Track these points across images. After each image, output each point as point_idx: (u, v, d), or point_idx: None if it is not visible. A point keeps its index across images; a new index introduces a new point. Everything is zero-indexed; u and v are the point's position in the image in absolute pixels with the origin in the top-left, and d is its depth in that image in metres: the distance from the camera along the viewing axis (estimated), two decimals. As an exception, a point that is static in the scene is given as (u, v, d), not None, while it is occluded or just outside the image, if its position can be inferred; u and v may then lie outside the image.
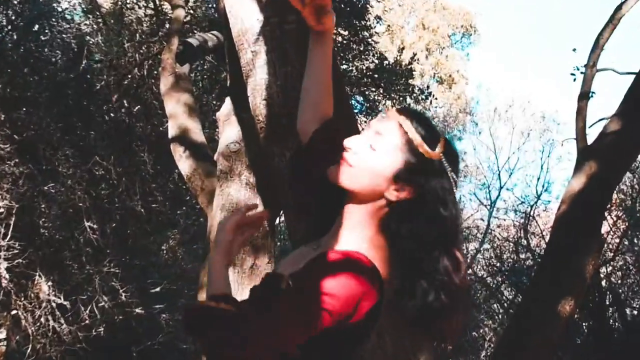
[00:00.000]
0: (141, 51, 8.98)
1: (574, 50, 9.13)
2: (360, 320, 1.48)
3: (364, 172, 1.60)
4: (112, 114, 8.94)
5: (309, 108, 1.86)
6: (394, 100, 9.97)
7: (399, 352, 2.42)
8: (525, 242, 12.17)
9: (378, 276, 1.52)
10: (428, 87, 12.63)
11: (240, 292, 4.15)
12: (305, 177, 1.86)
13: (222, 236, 1.68)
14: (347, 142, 1.63)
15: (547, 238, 7.59)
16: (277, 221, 7.12)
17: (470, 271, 13.22)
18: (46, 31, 8.78)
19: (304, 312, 1.40)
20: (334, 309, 1.42)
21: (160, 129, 8.63)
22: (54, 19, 8.84)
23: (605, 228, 9.36)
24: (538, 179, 18.29)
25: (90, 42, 9.05)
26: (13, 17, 8.47)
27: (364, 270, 1.49)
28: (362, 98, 9.94)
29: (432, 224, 1.57)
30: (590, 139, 5.61)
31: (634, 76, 4.78)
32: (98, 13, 9.24)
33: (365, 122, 9.41)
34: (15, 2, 8.50)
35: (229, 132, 4.76)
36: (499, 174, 19.37)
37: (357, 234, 1.62)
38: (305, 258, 1.61)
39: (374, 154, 1.59)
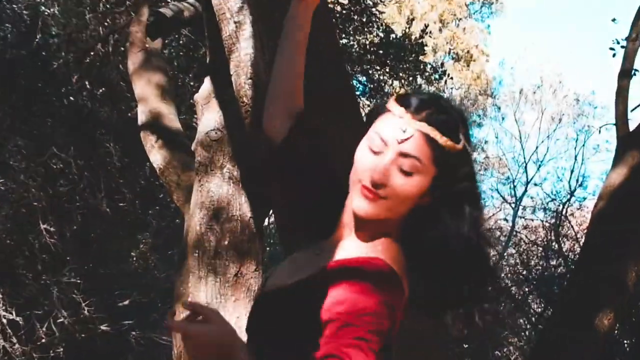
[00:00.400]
0: (105, 24, 8.93)
1: (614, 20, 9.10)
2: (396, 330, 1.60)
3: (401, 201, 1.67)
4: (71, 98, 8.88)
5: (280, 98, 1.90)
6: (402, 81, 9.96)
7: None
8: (556, 245, 12.19)
9: (401, 280, 1.63)
10: (442, 64, 12.60)
11: (223, 304, 4.14)
12: (290, 178, 1.92)
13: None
14: (377, 176, 1.64)
15: (582, 241, 7.59)
16: (265, 222, 7.12)
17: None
18: (-7, 0, 8.74)
19: (365, 346, 1.48)
20: (383, 328, 1.52)
21: (129, 114, 8.59)
22: (2, -14, 8.80)
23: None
24: (571, 172, 18.30)
25: (46, 13, 8.97)
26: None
27: (392, 278, 1.60)
28: (365, 78, 9.94)
29: (460, 222, 1.69)
30: (632, 125, 5.59)
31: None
32: (54, -22, 9.19)
33: (369, 105, 9.39)
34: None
35: (209, 117, 4.73)
36: (525, 167, 19.44)
37: (368, 237, 1.72)
38: (306, 266, 1.71)
39: (408, 181, 1.65)
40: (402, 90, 1.75)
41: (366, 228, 1.71)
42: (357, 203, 1.67)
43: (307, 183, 1.86)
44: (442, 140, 1.64)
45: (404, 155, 1.64)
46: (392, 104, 1.69)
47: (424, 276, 1.69)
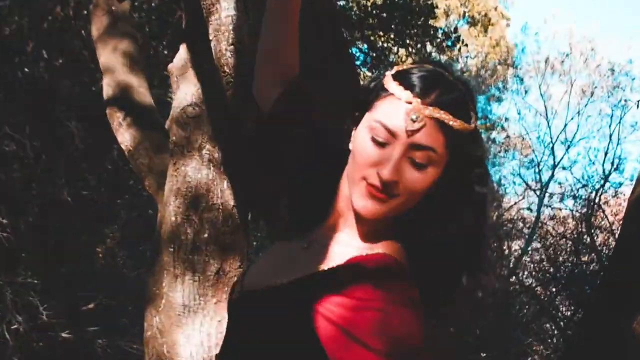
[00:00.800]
0: (65, -18, 8.90)
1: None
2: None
3: (413, 197, 1.69)
4: (26, 69, 8.87)
5: (269, 61, 1.92)
6: (410, 49, 9.94)
7: None
8: (588, 239, 12.22)
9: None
10: (456, 29, 12.51)
11: (202, 307, 4.14)
12: (274, 156, 1.95)
13: None
14: (388, 174, 1.64)
15: (618, 233, 7.62)
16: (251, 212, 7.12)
17: (513, 278, 13.26)
18: None
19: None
20: (420, 335, 1.57)
21: (93, 88, 8.57)
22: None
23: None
24: (605, 153, 18.26)
25: (-5, -30, 8.96)
26: None
27: (407, 276, 1.65)
28: (366, 45, 9.90)
29: (467, 207, 1.73)
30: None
31: None
32: None
33: (371, 77, 9.37)
34: None
35: (185, 90, 4.70)
36: (552, 148, 19.44)
37: (370, 231, 1.75)
38: (297, 261, 1.74)
39: (422, 174, 1.66)
40: (398, 65, 1.71)
41: (368, 223, 1.73)
42: (362, 203, 1.68)
43: (294, 159, 1.88)
44: (456, 124, 1.64)
45: (416, 147, 1.64)
46: (392, 85, 1.68)
47: (422, 271, 1.70)
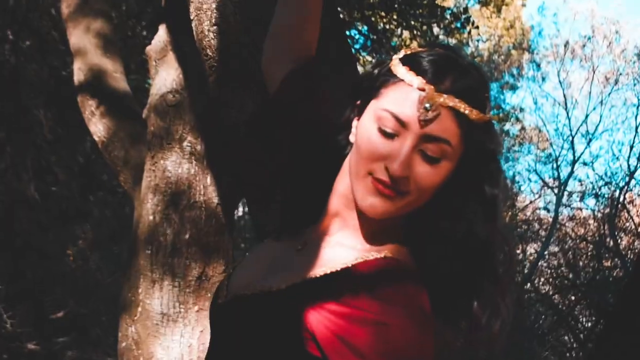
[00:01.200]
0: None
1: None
2: None
3: (425, 194, 1.68)
4: (-11, 51, 8.86)
5: (281, 36, 1.89)
6: (415, 31, 9.93)
7: None
8: (611, 242, 12.23)
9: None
10: (465, 10, 12.50)
11: (183, 315, 4.14)
12: (273, 143, 1.92)
13: None
14: (397, 168, 1.62)
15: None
16: (238, 211, 7.13)
17: (528, 285, 13.27)
18: None
19: None
20: (422, 345, 1.58)
21: (63, 72, 8.56)
22: None
23: None
24: (631, 147, 18.19)
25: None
26: None
27: (413, 280, 1.64)
28: (365, 27, 9.89)
29: (479, 206, 1.72)
30: None
31: None
32: None
33: (371, 62, 9.37)
34: None
35: (165, 76, 4.70)
36: (571, 141, 19.45)
37: (373, 233, 1.75)
38: (290, 263, 1.73)
39: (434, 169, 1.65)
40: (405, 48, 1.70)
41: (371, 223, 1.73)
42: (368, 201, 1.67)
43: (293, 148, 1.87)
44: (472, 114, 1.64)
45: (429, 138, 1.63)
46: (401, 70, 1.66)
47: (432, 276, 1.70)
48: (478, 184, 1.71)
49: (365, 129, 1.66)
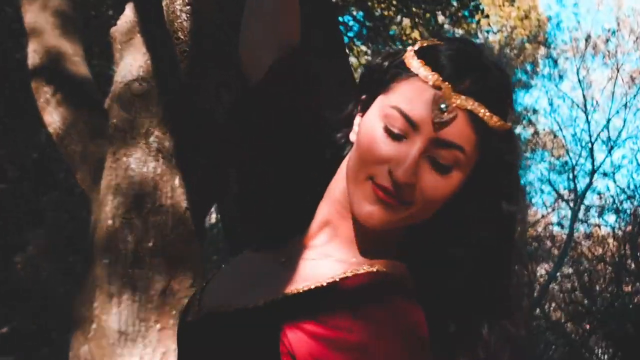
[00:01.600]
0: None
1: None
2: None
3: (432, 205, 1.65)
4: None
5: (261, 21, 1.86)
6: (416, 19, 9.95)
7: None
8: (632, 264, 12.26)
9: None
10: (475, -3, 12.57)
11: (143, 334, 4.16)
12: (255, 139, 1.89)
13: None
14: (403, 174, 1.59)
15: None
16: (209, 217, 7.12)
17: (537, 311, 13.29)
18: None
19: None
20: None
21: (16, 55, 8.55)
22: None
23: None
24: (658, 157, 18.38)
25: None
26: None
27: (405, 295, 1.61)
28: (361, 13, 9.90)
29: (492, 225, 1.70)
30: None
31: None
32: None
33: (367, 54, 9.37)
34: None
35: (131, 61, 4.70)
36: (590, 149, 19.54)
37: (367, 246, 1.72)
38: (272, 278, 1.70)
39: (444, 179, 1.63)
40: (422, 40, 1.69)
41: (367, 235, 1.70)
42: (367, 209, 1.63)
43: (277, 146, 1.84)
44: (491, 120, 1.61)
45: (441, 143, 1.59)
46: (414, 63, 1.63)
47: (431, 299, 1.65)
48: (494, 199, 1.69)
49: (369, 128, 1.64)
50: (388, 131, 1.59)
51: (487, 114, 1.60)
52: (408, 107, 1.58)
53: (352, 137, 1.72)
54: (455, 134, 1.58)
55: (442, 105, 1.56)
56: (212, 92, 2.92)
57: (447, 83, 1.58)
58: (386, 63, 1.70)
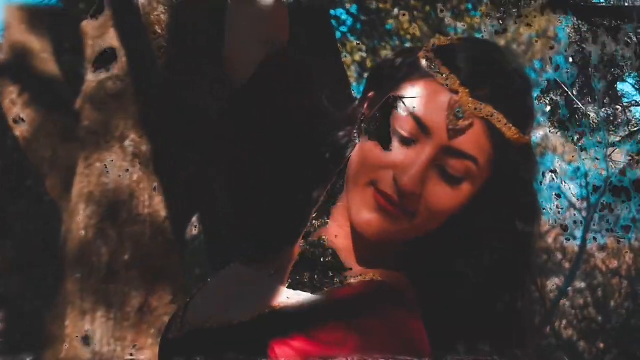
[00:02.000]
0: None
1: None
2: None
3: (437, 218, 1.65)
4: None
5: (247, 20, 1.87)
6: (416, 14, 9.96)
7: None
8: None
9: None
10: (480, -12, 12.60)
11: (119, 354, 4.15)
12: (248, 136, 1.88)
13: None
14: (408, 182, 1.59)
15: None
16: (192, 228, 7.15)
17: (547, 329, 13.30)
18: None
19: None
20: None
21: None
22: None
23: None
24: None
25: None
26: None
27: (409, 304, 1.62)
28: (355, 6, 9.91)
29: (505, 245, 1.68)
30: None
31: None
32: None
33: (361, 51, 9.38)
34: None
35: (104, 58, 4.72)
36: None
37: (368, 255, 1.70)
38: (261, 291, 1.68)
39: (453, 191, 1.62)
40: (438, 39, 1.66)
41: (365, 244, 1.70)
42: (364, 216, 1.64)
43: (266, 150, 1.83)
44: (510, 131, 1.61)
45: (453, 152, 1.60)
46: (430, 62, 1.64)
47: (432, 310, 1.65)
48: (507, 217, 1.68)
49: None
50: (397, 134, 1.60)
51: (506, 124, 1.60)
52: (421, 110, 1.59)
53: (356, 137, 1.71)
54: (469, 143, 1.58)
55: (458, 111, 1.56)
56: (206, 89, 2.94)
57: (464, 87, 1.58)
58: (399, 60, 1.70)
